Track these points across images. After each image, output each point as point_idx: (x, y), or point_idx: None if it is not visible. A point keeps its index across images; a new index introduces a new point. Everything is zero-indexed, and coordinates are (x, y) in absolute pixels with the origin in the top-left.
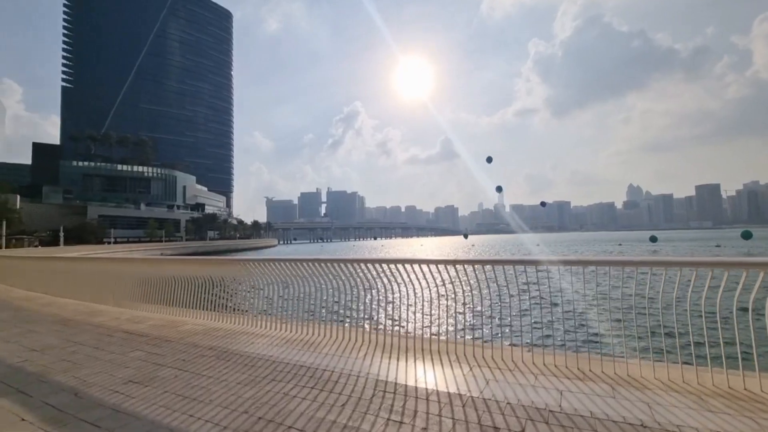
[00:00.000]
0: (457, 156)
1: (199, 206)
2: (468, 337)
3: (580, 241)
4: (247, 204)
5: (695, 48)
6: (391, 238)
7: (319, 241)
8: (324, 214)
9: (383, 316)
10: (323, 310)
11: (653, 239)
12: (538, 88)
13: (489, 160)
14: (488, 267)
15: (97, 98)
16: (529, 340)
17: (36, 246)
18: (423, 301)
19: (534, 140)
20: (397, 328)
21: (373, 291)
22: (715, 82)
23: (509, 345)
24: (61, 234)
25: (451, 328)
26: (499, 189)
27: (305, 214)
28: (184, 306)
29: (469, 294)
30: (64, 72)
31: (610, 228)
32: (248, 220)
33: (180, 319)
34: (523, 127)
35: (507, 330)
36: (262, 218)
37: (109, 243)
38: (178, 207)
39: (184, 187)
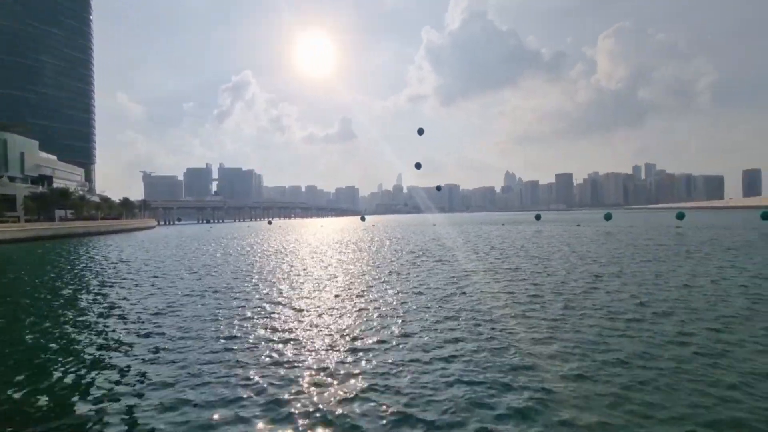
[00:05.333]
0: (356, 136)
1: (45, 179)
2: None
3: (470, 221)
4: (117, 179)
5: (556, 53)
6: (290, 218)
7: (208, 222)
8: (215, 192)
9: None
10: None
11: (538, 217)
12: (429, 77)
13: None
14: None
15: None
16: None
17: None
18: None
19: (426, 125)
20: None
21: None
22: (570, 86)
23: None
24: None
25: None
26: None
27: (193, 192)
28: None
29: None
30: None
31: (490, 209)
32: (118, 198)
33: None
34: (415, 112)
35: None
36: (139, 196)
37: None
38: (13, 179)
39: (22, 154)
